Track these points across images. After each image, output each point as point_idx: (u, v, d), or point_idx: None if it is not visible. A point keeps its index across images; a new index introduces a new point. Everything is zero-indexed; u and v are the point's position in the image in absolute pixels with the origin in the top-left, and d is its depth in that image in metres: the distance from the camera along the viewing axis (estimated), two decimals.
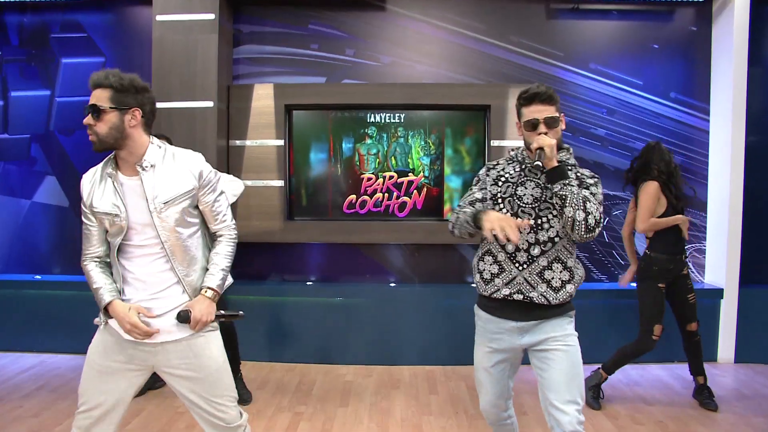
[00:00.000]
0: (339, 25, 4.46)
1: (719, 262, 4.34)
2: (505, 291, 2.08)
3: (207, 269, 1.98)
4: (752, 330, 4.30)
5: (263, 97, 4.31)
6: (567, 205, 1.94)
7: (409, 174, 4.51)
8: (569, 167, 2.10)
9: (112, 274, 1.94)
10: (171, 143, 3.57)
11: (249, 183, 4.29)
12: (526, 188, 2.09)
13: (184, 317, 1.87)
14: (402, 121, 4.48)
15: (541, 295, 2.05)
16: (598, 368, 3.55)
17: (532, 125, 2.04)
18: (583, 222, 1.93)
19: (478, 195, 2.17)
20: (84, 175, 1.94)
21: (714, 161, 4.42)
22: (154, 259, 1.89)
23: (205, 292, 1.92)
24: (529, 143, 2.06)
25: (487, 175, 2.19)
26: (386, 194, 4.48)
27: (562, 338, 2.06)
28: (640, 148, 4.41)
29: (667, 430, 3.17)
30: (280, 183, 4.34)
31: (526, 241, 2.04)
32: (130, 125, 1.84)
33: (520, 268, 2.06)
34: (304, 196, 4.51)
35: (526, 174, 2.12)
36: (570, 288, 2.07)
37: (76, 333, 4.36)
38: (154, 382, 3.61)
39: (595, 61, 4.46)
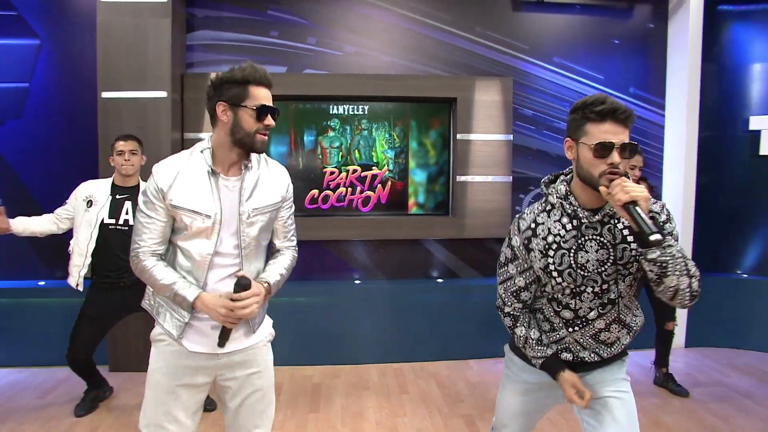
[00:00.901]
0: (300, 11, 4.25)
1: None
2: (550, 350, 1.75)
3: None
4: (701, 316, 4.51)
5: None
6: (669, 273, 1.44)
7: (373, 168, 4.39)
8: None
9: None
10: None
11: None
12: (587, 252, 1.61)
13: (244, 284, 1.68)
14: (366, 113, 4.35)
15: (593, 352, 1.73)
16: None
17: (603, 150, 1.50)
18: (687, 290, 1.46)
19: (521, 282, 1.73)
20: (161, 165, 1.73)
21: (668, 155, 4.57)
22: (226, 266, 1.76)
23: (264, 283, 1.77)
24: (590, 172, 1.54)
25: (528, 248, 1.70)
26: (350, 188, 4.36)
27: (613, 383, 1.73)
28: None
29: None
30: None
31: (588, 308, 1.67)
32: None
33: (572, 330, 1.71)
34: None
35: (583, 231, 1.62)
36: (626, 340, 1.74)
37: (9, 345, 4.00)
38: (104, 393, 3.47)
39: (558, 54, 4.48)
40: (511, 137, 4.32)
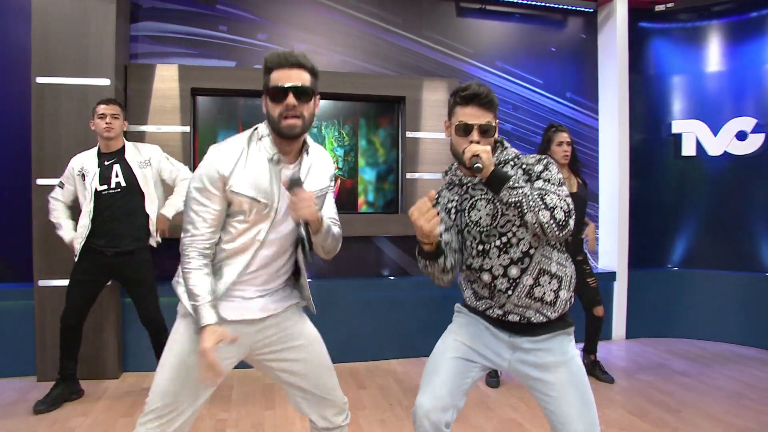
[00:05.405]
0: (250, 7, 4.21)
1: (611, 248, 4.75)
2: (499, 312, 1.80)
3: None
4: (640, 308, 4.75)
5: (166, 79, 3.92)
6: (525, 211, 1.59)
7: None
8: (508, 162, 1.81)
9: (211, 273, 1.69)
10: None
11: None
12: (479, 210, 1.78)
13: (296, 182, 1.59)
14: None
15: (538, 312, 1.76)
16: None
17: (465, 129, 1.72)
18: (551, 221, 1.56)
19: (446, 237, 1.82)
20: (221, 149, 1.63)
21: (603, 156, 4.86)
22: (285, 248, 1.77)
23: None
24: (458, 150, 1.75)
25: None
26: None
27: (564, 363, 1.75)
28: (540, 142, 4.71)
29: None
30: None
31: (500, 265, 1.76)
32: (315, 111, 1.68)
33: (507, 295, 1.76)
34: None
35: (471, 194, 1.82)
36: (563, 294, 1.79)
37: None
38: (71, 394, 3.29)
39: (501, 59, 4.69)
40: None
